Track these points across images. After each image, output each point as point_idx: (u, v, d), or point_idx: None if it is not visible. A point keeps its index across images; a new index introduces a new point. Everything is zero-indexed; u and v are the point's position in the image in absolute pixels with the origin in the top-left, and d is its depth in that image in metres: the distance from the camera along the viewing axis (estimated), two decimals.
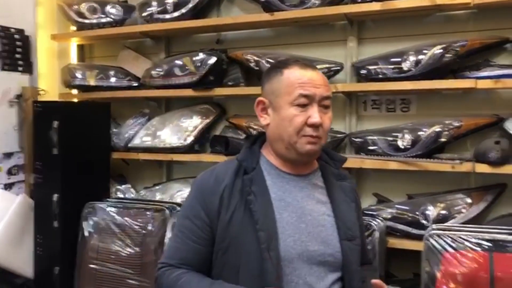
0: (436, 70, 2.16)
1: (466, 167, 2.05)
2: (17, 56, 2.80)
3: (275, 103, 1.32)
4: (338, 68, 2.36)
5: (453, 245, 1.90)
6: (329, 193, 1.37)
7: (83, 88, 2.95)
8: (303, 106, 1.28)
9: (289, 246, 1.26)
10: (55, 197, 2.56)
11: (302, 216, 1.30)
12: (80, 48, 3.19)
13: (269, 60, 2.45)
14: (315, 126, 1.28)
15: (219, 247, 1.30)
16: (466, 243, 1.88)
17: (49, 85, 2.98)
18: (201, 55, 2.62)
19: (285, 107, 1.29)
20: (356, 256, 1.33)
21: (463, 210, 2.15)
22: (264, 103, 1.35)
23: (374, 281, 1.26)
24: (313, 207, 1.33)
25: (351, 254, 1.32)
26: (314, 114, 1.27)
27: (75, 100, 3.02)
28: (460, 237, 1.90)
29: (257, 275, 1.23)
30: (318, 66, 2.35)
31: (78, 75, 2.90)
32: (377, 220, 2.16)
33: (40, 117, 2.64)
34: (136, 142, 2.80)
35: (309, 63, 1.37)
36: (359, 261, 1.36)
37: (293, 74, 1.30)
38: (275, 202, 1.30)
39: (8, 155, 2.75)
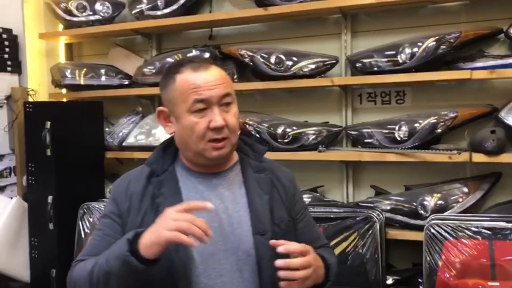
0: (430, 62, 2.18)
1: (463, 157, 2.08)
2: (5, 56, 2.74)
3: (174, 112, 1.27)
4: (334, 61, 2.37)
5: (454, 234, 1.93)
6: (246, 187, 1.33)
7: (73, 87, 2.90)
8: (202, 110, 1.23)
9: (199, 247, 1.19)
10: (50, 198, 2.52)
11: (215, 216, 1.26)
12: (69, 46, 3.14)
13: (263, 55, 2.44)
14: (219, 129, 1.23)
15: None
16: (466, 231, 1.92)
17: (38, 85, 2.93)
18: (194, 52, 2.60)
19: (184, 116, 1.24)
20: (267, 251, 1.23)
21: (460, 200, 2.18)
22: (165, 112, 1.30)
23: (272, 241, 1.19)
24: (228, 204, 1.29)
25: (262, 249, 1.25)
26: (215, 118, 1.22)
27: (65, 99, 2.98)
28: (460, 226, 1.94)
29: (168, 278, 1.20)
30: (313, 60, 2.37)
31: (68, 74, 2.85)
32: (376, 211, 2.18)
33: (31, 118, 2.60)
34: (130, 141, 2.77)
35: (203, 61, 1.29)
36: (271, 256, 1.22)
37: (185, 80, 1.24)
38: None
39: (0, 158, 2.70)
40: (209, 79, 1.24)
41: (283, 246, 1.15)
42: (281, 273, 1.13)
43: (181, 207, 1.13)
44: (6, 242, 2.53)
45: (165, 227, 1.09)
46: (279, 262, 1.13)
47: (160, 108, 1.31)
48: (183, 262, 1.21)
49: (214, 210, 1.24)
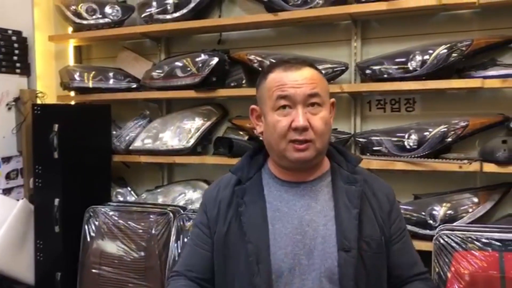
0: (441, 70, 2.15)
1: (473, 166, 2.05)
2: (15, 58, 2.75)
3: (262, 110, 1.27)
4: (343, 68, 2.35)
5: (463, 245, 1.90)
6: (334, 199, 1.26)
7: (82, 90, 2.89)
8: (285, 109, 1.21)
9: (279, 259, 1.20)
10: (56, 201, 2.52)
11: (299, 227, 1.22)
12: (77, 49, 3.14)
13: (272, 60, 2.43)
14: (300, 130, 1.19)
15: (217, 258, 1.30)
16: (476, 242, 1.89)
17: (46, 87, 2.94)
18: (202, 56, 2.59)
19: (270, 114, 1.23)
20: (351, 270, 1.18)
21: (470, 210, 2.15)
22: (257, 111, 1.31)
23: None
24: (314, 216, 1.23)
25: (345, 267, 1.18)
26: (297, 117, 1.18)
27: (73, 102, 2.98)
28: (470, 237, 1.91)
29: None
30: (323, 66, 2.35)
31: (77, 77, 2.84)
32: None
33: (39, 120, 2.60)
34: (137, 144, 2.76)
35: (297, 61, 1.27)
36: (355, 275, 1.19)
37: (274, 78, 1.24)
38: (270, 212, 1.24)
39: (7, 159, 2.70)
40: (297, 77, 1.22)
41: None
42: None
43: None
44: (11, 244, 2.52)
45: None
46: None
47: (253, 106, 1.32)
48: (263, 273, 1.19)
49: (298, 220, 1.23)
